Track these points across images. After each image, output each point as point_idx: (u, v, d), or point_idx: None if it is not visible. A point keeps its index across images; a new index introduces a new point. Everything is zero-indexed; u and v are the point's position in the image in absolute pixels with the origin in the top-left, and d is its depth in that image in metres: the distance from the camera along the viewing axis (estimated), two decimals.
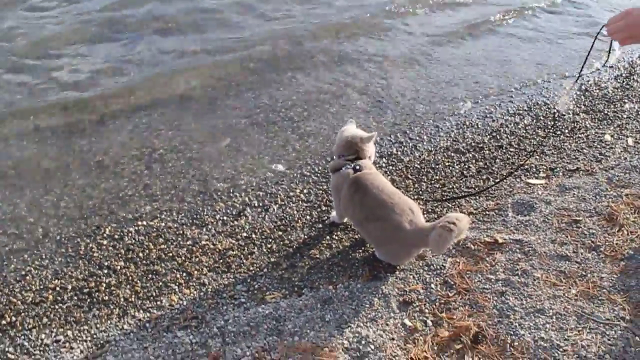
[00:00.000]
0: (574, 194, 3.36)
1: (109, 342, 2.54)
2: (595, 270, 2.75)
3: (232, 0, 6.82)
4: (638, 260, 2.79)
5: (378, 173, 3.01)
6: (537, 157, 3.89)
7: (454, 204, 3.42)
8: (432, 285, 2.73)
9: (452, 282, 2.73)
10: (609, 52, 2.96)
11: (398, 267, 2.85)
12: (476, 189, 3.57)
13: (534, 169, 3.74)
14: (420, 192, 3.56)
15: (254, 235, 3.26)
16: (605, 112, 4.51)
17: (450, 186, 3.61)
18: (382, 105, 4.68)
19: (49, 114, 4.59)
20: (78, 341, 2.56)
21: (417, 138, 4.19)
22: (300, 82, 5.06)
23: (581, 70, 3.16)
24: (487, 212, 3.29)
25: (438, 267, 2.84)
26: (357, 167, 2.94)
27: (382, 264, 2.88)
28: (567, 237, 3.00)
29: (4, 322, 2.70)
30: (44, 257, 3.14)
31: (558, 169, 3.72)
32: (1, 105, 4.69)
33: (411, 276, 2.80)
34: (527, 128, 4.30)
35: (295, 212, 3.45)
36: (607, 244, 2.93)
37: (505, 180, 3.62)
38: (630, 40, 2.28)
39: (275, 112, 4.57)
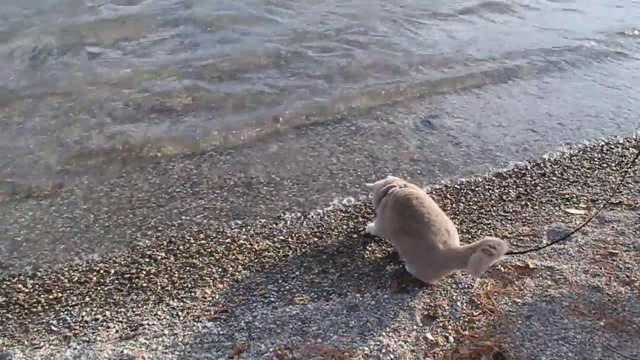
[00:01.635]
0: (613, 227, 3.32)
1: (142, 325, 2.68)
2: (627, 305, 2.71)
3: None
4: None
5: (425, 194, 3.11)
6: (579, 187, 3.85)
7: (489, 226, 3.44)
8: (458, 303, 2.75)
9: (479, 302, 2.75)
10: None
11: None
12: (513, 213, 3.56)
13: (575, 199, 3.70)
14: (457, 212, 3.59)
15: (290, 239, 3.36)
16: None
17: (488, 209, 3.62)
18: (429, 126, 4.74)
19: (109, 109, 4.90)
20: (115, 321, 2.72)
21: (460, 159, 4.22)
22: (351, 96, 5.18)
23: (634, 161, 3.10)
24: (522, 237, 3.29)
25: (466, 285, 2.87)
26: (404, 185, 3.09)
27: (411, 277, 2.92)
28: (600, 268, 2.97)
29: (51, 297, 2.89)
30: (92, 241, 3.34)
31: (600, 200, 3.67)
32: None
33: (438, 292, 2.83)
34: (572, 158, 4.26)
35: (333, 220, 3.54)
36: None
37: (543, 207, 3.61)
38: None
39: (323, 125, 4.70)
